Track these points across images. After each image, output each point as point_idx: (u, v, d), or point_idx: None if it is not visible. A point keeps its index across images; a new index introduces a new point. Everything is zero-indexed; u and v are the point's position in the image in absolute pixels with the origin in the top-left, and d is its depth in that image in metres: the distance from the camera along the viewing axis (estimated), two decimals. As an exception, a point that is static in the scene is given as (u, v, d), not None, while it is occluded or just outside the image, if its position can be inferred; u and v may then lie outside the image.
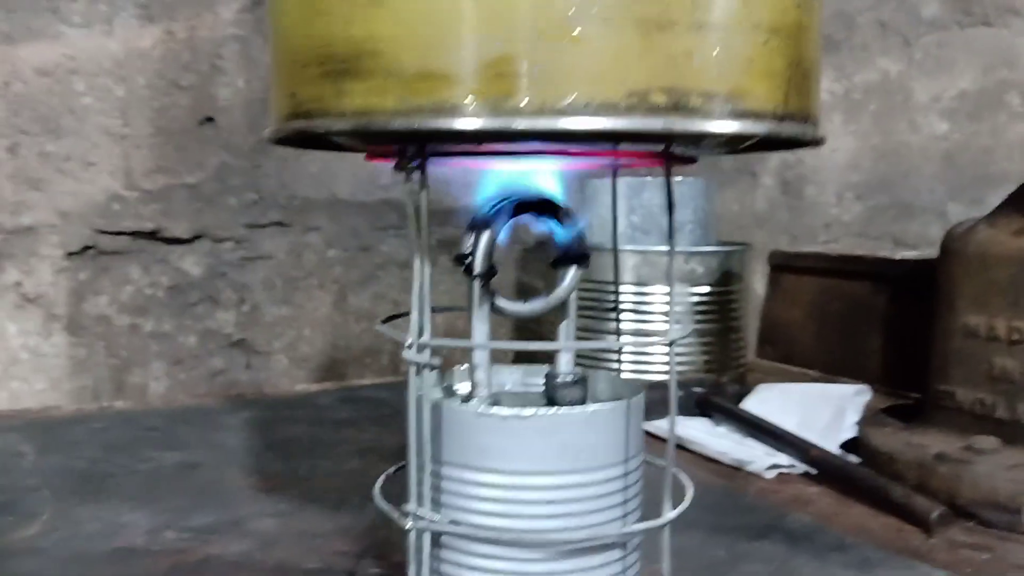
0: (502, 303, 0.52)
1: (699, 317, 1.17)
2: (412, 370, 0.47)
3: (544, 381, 0.51)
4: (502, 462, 0.47)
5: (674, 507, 0.50)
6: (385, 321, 0.52)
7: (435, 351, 0.47)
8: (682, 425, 1.02)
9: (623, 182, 1.21)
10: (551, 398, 0.50)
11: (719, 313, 1.18)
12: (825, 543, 0.73)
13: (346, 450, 0.95)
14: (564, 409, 0.48)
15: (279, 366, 1.35)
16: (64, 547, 0.70)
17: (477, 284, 0.51)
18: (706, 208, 1.22)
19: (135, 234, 1.27)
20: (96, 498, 0.81)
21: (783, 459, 0.94)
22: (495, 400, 0.51)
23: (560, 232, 0.53)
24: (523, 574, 0.47)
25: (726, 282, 1.19)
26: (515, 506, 0.47)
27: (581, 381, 0.50)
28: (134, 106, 1.26)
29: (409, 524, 0.47)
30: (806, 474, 0.92)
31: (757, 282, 1.39)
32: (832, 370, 1.09)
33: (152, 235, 1.28)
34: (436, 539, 0.49)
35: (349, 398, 1.22)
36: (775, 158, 1.65)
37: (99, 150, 1.25)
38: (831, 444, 0.96)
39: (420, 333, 0.47)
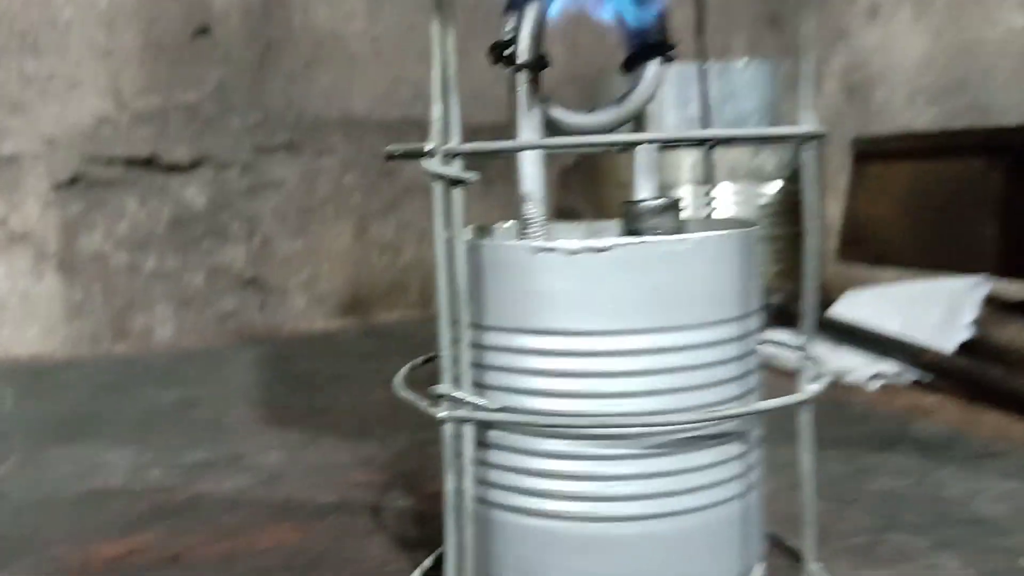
0: (556, 113, 0.38)
1: (770, 218, 1.01)
2: (438, 189, 0.33)
3: (623, 212, 0.36)
4: (569, 319, 0.33)
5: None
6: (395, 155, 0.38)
7: (469, 160, 0.33)
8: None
9: (675, 72, 1.05)
10: (634, 231, 0.36)
11: (794, 212, 1.02)
12: (969, 451, 0.58)
13: (370, 382, 0.82)
14: (657, 239, 0.33)
15: (296, 306, 1.21)
16: (27, 491, 0.57)
17: (523, 78, 0.36)
18: (773, 96, 1.06)
19: (129, 162, 1.14)
20: (74, 440, 0.68)
21: (888, 367, 0.78)
22: (552, 225, 0.36)
23: (634, 13, 0.38)
24: (606, 476, 0.33)
25: (798, 178, 1.03)
26: (591, 381, 0.33)
27: (672, 206, 0.36)
28: (120, 18, 1.12)
29: (442, 413, 0.33)
30: (917, 383, 0.76)
31: (838, 171, 1.22)
32: (934, 267, 0.93)
33: (148, 163, 1.15)
34: (482, 432, 0.35)
35: (374, 333, 1.09)
36: (838, 59, 1.48)
37: (84, 68, 1.11)
38: (945, 346, 0.80)
39: (446, 135, 0.32)
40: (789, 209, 1.02)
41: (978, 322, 0.81)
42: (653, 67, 0.38)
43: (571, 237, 0.44)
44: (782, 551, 0.43)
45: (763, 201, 1.02)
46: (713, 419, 0.33)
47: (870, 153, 1.11)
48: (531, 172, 0.36)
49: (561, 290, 0.33)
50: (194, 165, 1.16)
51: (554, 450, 0.34)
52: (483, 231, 0.40)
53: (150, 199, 1.15)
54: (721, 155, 1.01)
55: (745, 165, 1.01)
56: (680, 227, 0.36)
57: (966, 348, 0.81)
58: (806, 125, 0.33)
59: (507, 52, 0.36)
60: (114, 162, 1.12)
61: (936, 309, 0.83)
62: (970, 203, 0.92)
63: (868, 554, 0.44)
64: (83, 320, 1.11)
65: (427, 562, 0.43)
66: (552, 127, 0.38)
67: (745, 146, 1.00)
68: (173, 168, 1.15)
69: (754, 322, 0.36)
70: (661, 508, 0.34)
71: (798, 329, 0.91)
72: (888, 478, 0.54)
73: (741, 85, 1.05)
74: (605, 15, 0.39)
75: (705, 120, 0.50)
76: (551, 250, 0.33)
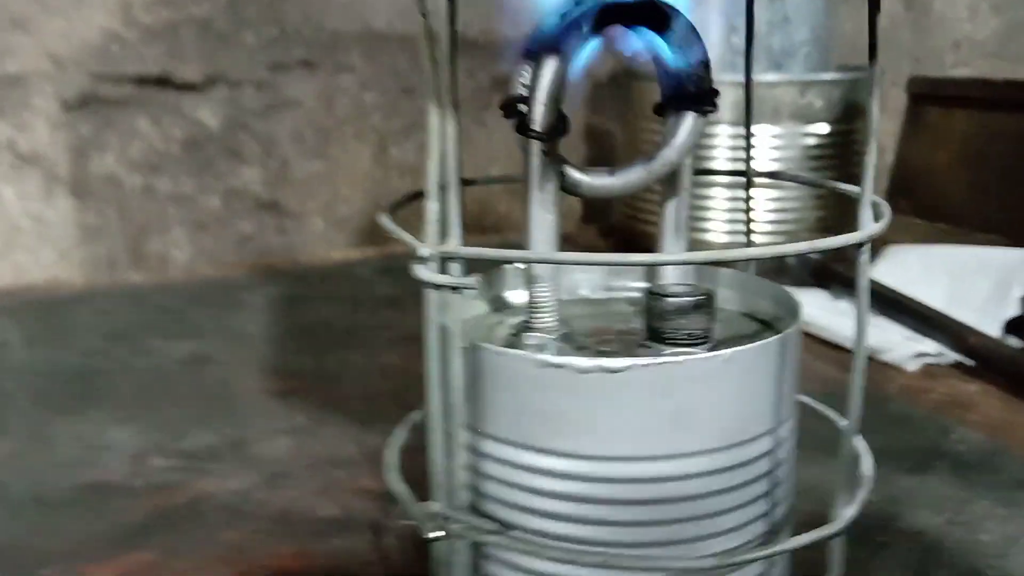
0: (575, 176, 0.33)
1: (814, 163, 0.95)
2: (431, 296, 0.28)
3: (645, 300, 0.32)
4: (577, 442, 0.29)
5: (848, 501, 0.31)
6: (395, 208, 0.34)
7: (469, 265, 0.28)
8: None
9: (720, -4, 0.97)
10: (654, 331, 0.31)
11: (840, 157, 0.95)
12: (1008, 477, 0.55)
13: (383, 339, 0.79)
14: (682, 358, 0.29)
15: (315, 230, 1.18)
16: (25, 481, 0.56)
17: (536, 149, 0.31)
18: (826, 26, 0.97)
19: (140, 80, 1.08)
20: (78, 409, 0.66)
21: (929, 345, 0.74)
22: (565, 333, 0.32)
23: (671, 57, 0.33)
24: (613, 605, 0.30)
25: (850, 118, 0.96)
26: (601, 508, 0.29)
27: (704, 302, 0.31)
28: (124, -77, 1.05)
29: (434, 533, 0.30)
30: (959, 364, 0.72)
31: (890, 114, 1.14)
32: (991, 229, 0.86)
33: (160, 81, 1.09)
34: (477, 553, 0.32)
35: (391, 268, 1.05)
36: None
37: (88, -21, 1.04)
38: (991, 326, 0.75)
39: (444, 236, 0.28)
40: (836, 153, 0.95)
41: (1030, 299, 0.76)
42: (689, 120, 0.33)
43: (586, 282, 0.40)
44: None
45: (808, 143, 0.95)
46: (734, 560, 0.30)
47: (928, 96, 1.02)
48: (543, 269, 0.31)
49: (569, 410, 0.29)
50: (207, 83, 1.10)
51: (553, 573, 0.31)
52: (492, 310, 0.36)
53: (163, 119, 1.10)
54: (765, 92, 0.93)
55: (791, 105, 0.94)
56: (710, 329, 0.32)
57: (1015, 327, 0.76)
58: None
59: (519, 113, 0.31)
60: (124, 81, 1.07)
61: (985, 282, 0.78)
62: (1034, 164, 0.85)
63: (893, 630, 0.41)
64: (98, 244, 1.09)
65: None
66: (569, 188, 0.33)
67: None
68: (186, 87, 1.10)
69: (787, 427, 0.32)
70: (671, 636, 0.31)
71: (832, 292, 0.86)
72: (922, 512, 0.51)
73: (791, 11, 0.97)
74: (640, 54, 0.33)
75: (749, 55, 0.43)
76: (559, 367, 0.29)
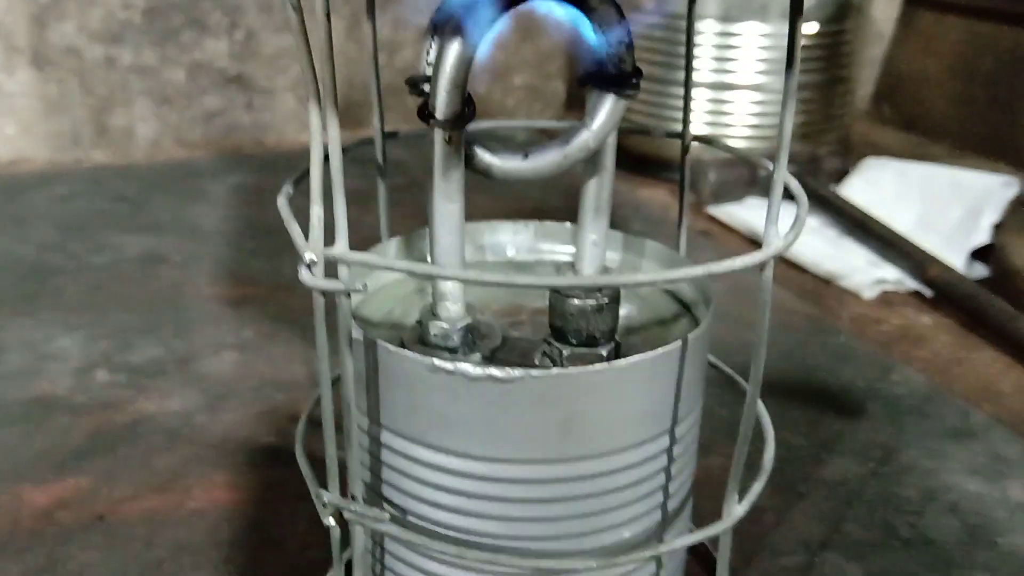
0: (486, 159, 0.31)
1: (803, 65, 0.91)
2: (317, 299, 0.28)
3: (551, 300, 0.31)
4: (467, 443, 0.29)
5: (740, 497, 0.31)
6: (297, 182, 0.32)
7: (358, 269, 0.27)
8: (761, 216, 0.81)
9: None
10: (558, 331, 0.31)
11: (826, 59, 0.92)
12: (941, 425, 0.55)
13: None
14: (573, 370, 0.28)
15: (285, 107, 1.14)
16: (-28, 392, 0.56)
17: (439, 136, 0.29)
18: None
19: (96, -58, 1.02)
20: (33, 308, 0.66)
21: (890, 272, 0.73)
22: (472, 323, 0.31)
23: (593, 36, 0.30)
24: (504, 593, 0.31)
25: (840, 17, 0.91)
26: (491, 504, 0.30)
27: (610, 304, 0.30)
28: None
29: (329, 520, 0.31)
30: (918, 293, 0.72)
31: (882, 17, 1.08)
32: (971, 146, 0.84)
33: (118, -57, 1.03)
34: (375, 536, 0.33)
35: (361, 157, 1.02)
36: None
37: None
38: (958, 252, 0.75)
39: (326, 238, 0.27)
40: (824, 56, 0.91)
41: (999, 227, 0.75)
42: (609, 103, 0.31)
43: (514, 242, 0.39)
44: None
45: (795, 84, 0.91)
46: (623, 560, 0.30)
47: (923, 1, 0.97)
48: (448, 258, 0.30)
49: (460, 413, 0.29)
50: (168, -52, 1.04)
51: (448, 560, 0.31)
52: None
53: (122, -14, 1.04)
54: (753, -12, 0.89)
55: (780, 1, 0.89)
56: (614, 331, 0.31)
57: (981, 255, 0.76)
58: None
59: (422, 95, 0.29)
60: (79, -57, 1.01)
61: (957, 206, 0.77)
62: (1021, 81, 0.82)
63: (796, 588, 0.43)
64: (61, 117, 1.06)
65: None
66: (479, 170, 0.32)
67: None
68: (145, -49, 1.04)
69: (686, 425, 0.32)
70: (559, 623, 0.32)
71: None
72: (847, 460, 0.52)
73: None
74: (563, 27, 0.31)
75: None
76: (450, 372, 0.28)
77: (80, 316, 0.65)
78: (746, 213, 0.82)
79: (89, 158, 1.03)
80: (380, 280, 0.36)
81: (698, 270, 0.26)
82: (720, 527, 0.31)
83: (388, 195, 0.39)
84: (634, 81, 0.31)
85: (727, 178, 0.82)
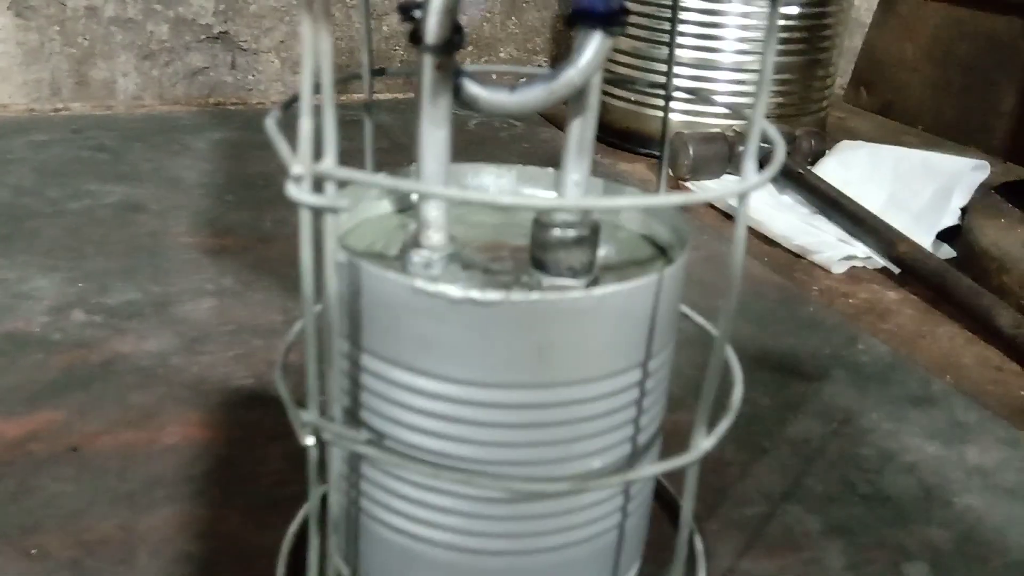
0: (473, 90, 0.32)
1: (780, 47, 0.92)
2: (304, 215, 0.28)
3: (532, 230, 0.32)
4: (446, 365, 0.30)
5: (708, 432, 0.32)
6: (286, 107, 0.32)
7: (343, 186, 0.28)
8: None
9: None
10: (538, 261, 0.32)
11: (806, 42, 0.93)
12: (902, 391, 0.57)
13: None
14: (551, 295, 0.29)
15: (269, 68, 1.14)
16: (-54, 326, 0.56)
17: (429, 61, 0.30)
18: None
19: None
20: (9, 250, 0.66)
21: (859, 249, 0.75)
22: (454, 254, 0.32)
23: (579, -28, 0.31)
24: (472, 514, 0.32)
25: (822, 1, 0.92)
26: (467, 428, 0.30)
27: (589, 236, 0.31)
28: None
29: (308, 440, 0.31)
30: (886, 270, 0.74)
31: (859, 7, 1.10)
32: (945, 131, 0.85)
33: None
34: (353, 455, 0.33)
35: (346, 120, 1.03)
36: None
37: None
38: (926, 232, 0.76)
39: (317, 154, 0.27)
40: (805, 39, 0.93)
41: (968, 209, 0.77)
42: (596, 40, 0.32)
43: (496, 183, 0.39)
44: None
45: (777, 23, 0.92)
46: (591, 486, 0.31)
47: (904, -14, 0.98)
48: (435, 184, 0.31)
49: (440, 336, 0.29)
50: (155, -100, 1.03)
51: (422, 482, 0.32)
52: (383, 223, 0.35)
53: (107, -64, 1.03)
54: (739, -33, 0.89)
55: (764, -18, 0.90)
56: (592, 264, 0.32)
57: (948, 235, 0.77)
58: None
59: (414, 21, 0.30)
60: None
61: (927, 188, 0.79)
62: (998, 66, 0.83)
63: (756, 535, 0.44)
64: (41, 65, 1.05)
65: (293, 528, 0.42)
66: (466, 102, 0.32)
67: None
68: (131, -99, 1.03)
69: (658, 361, 0.33)
70: (529, 546, 0.33)
71: (779, 184, 0.86)
72: (810, 421, 0.53)
73: None
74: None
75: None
76: (432, 295, 0.29)
77: (56, 259, 0.65)
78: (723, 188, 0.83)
79: (68, 109, 1.02)
80: (364, 214, 0.37)
81: (677, 198, 0.27)
82: (687, 458, 0.32)
83: (374, 132, 0.40)
84: (620, 19, 0.32)
85: (705, 153, 0.83)
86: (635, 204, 0.33)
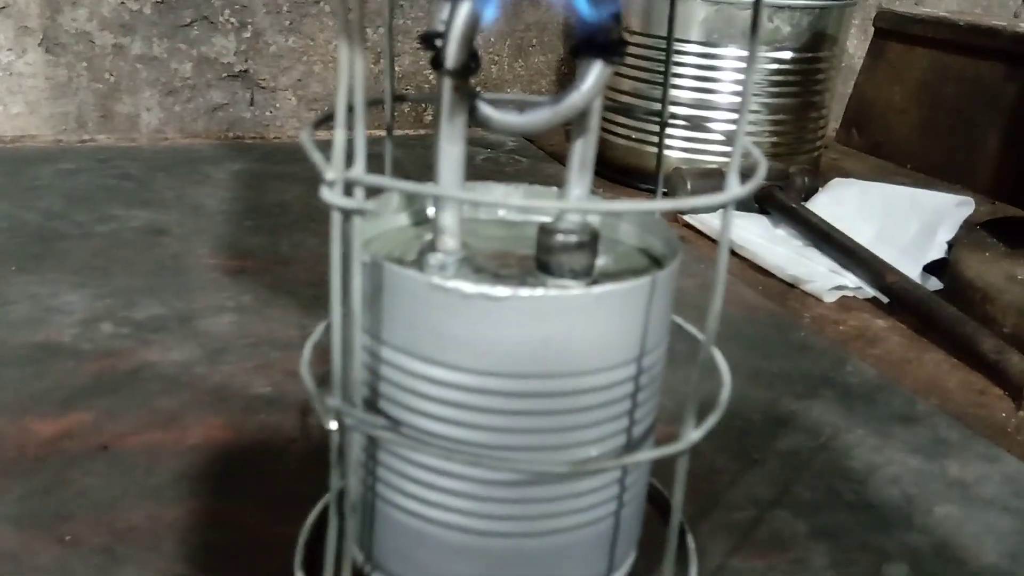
0: (486, 111, 0.36)
1: (775, 89, 0.96)
2: (335, 217, 0.32)
3: (537, 236, 0.35)
4: (458, 356, 0.33)
5: (697, 423, 0.35)
6: (318, 125, 0.36)
7: (371, 190, 0.31)
8: (735, 224, 0.86)
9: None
10: (543, 263, 0.35)
11: (800, 85, 0.97)
12: (888, 410, 0.60)
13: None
14: (554, 292, 0.32)
15: (286, 105, 1.19)
16: (-18, 335, 0.59)
17: (448, 84, 0.33)
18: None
19: (114, -65, 1.07)
20: (38, 268, 0.69)
21: (850, 279, 0.78)
22: (466, 259, 0.35)
23: (584, 8, 0.35)
24: (480, 497, 0.35)
25: (815, 47, 0.97)
26: (477, 415, 0.34)
27: (589, 242, 0.35)
28: None
29: (332, 424, 0.34)
30: (875, 299, 0.77)
31: (853, 47, 1.15)
32: (933, 171, 0.89)
33: (134, -63, 1.08)
34: (371, 442, 0.36)
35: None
36: None
37: None
38: (913, 264, 0.80)
39: (349, 162, 0.31)
40: (799, 82, 0.97)
41: (954, 244, 0.80)
42: (597, 68, 0.36)
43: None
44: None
45: (772, 67, 0.96)
46: (588, 469, 0.34)
47: (892, 32, 1.03)
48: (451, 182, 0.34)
49: (454, 329, 0.33)
50: (183, -55, 1.09)
51: (435, 466, 0.35)
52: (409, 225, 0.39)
53: (136, -22, 1.09)
54: (735, 13, 0.94)
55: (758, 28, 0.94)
56: (591, 265, 0.35)
57: (935, 268, 0.81)
58: None
59: (435, 48, 0.33)
60: (97, -65, 1.05)
61: (915, 223, 0.82)
62: (982, 109, 0.87)
63: (745, 536, 0.46)
64: (68, 99, 1.09)
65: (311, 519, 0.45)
66: (480, 122, 0.36)
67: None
68: (160, -54, 1.08)
69: (652, 358, 0.36)
70: (532, 529, 0.36)
71: (773, 218, 0.90)
72: (800, 435, 0.56)
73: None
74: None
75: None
76: (447, 290, 0.32)
77: (84, 276, 0.69)
78: (718, 221, 0.87)
79: (94, 140, 1.07)
80: (384, 226, 0.40)
81: (667, 204, 0.30)
82: (677, 447, 0.35)
83: (392, 152, 0.43)
84: (619, 49, 0.35)
85: (703, 187, 0.87)
86: (628, 208, 0.36)
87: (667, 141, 0.97)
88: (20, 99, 1.08)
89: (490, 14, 0.33)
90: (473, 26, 0.33)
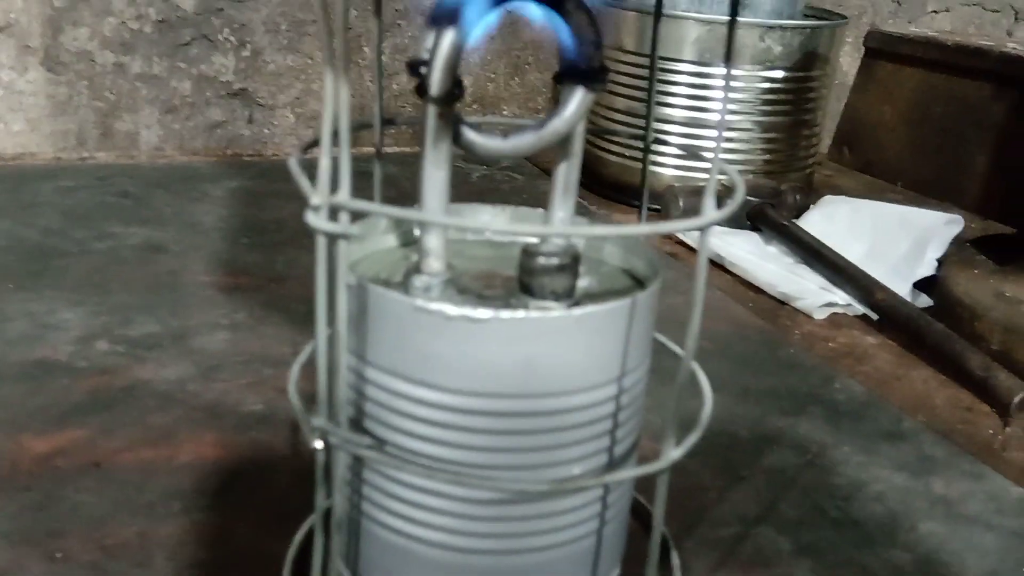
0: (470, 136, 0.36)
1: (767, 108, 0.97)
2: (320, 241, 0.32)
3: (520, 258, 0.36)
4: (441, 376, 0.34)
5: (677, 442, 0.36)
6: (306, 149, 0.37)
7: (356, 215, 0.32)
8: (727, 241, 0.87)
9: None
10: (525, 285, 0.36)
11: (792, 104, 0.98)
12: (875, 427, 0.60)
13: (333, 242, 0.83)
14: (535, 314, 0.33)
15: (284, 123, 1.20)
16: (-21, 352, 0.60)
17: (432, 111, 0.34)
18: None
19: (115, -45, 1.08)
20: (36, 285, 0.70)
21: (840, 297, 0.79)
22: (451, 280, 0.36)
23: (568, 36, 0.36)
24: (463, 515, 0.35)
25: (807, 66, 0.98)
26: (460, 434, 0.34)
27: (570, 264, 0.35)
28: None
29: (317, 444, 0.35)
30: (865, 317, 0.77)
31: (845, 66, 1.16)
32: (922, 188, 0.90)
33: (135, -43, 1.09)
34: (356, 461, 0.37)
35: (357, 171, 1.08)
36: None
37: None
38: (903, 282, 0.80)
39: (334, 187, 0.32)
40: (791, 100, 0.98)
41: (944, 261, 0.81)
42: (579, 94, 0.36)
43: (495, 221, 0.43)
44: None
45: (763, 87, 0.97)
46: (570, 487, 0.35)
47: (882, 51, 1.04)
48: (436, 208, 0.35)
49: (436, 349, 0.33)
50: (183, -35, 1.10)
51: (419, 485, 0.36)
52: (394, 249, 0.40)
53: (136, -2, 1.10)
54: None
55: (751, 48, 0.96)
56: (573, 289, 0.36)
57: (925, 286, 0.81)
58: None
59: (420, 76, 0.34)
60: (98, -45, 1.07)
61: (905, 240, 0.83)
62: (970, 128, 0.88)
63: (729, 553, 0.47)
64: (68, 117, 1.10)
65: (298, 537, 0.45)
66: (464, 146, 0.37)
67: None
68: (161, -34, 1.09)
69: (632, 378, 0.37)
70: (515, 546, 0.36)
71: (765, 236, 0.91)
72: (786, 452, 0.56)
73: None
74: (541, 26, 0.36)
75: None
76: (430, 312, 0.33)
77: (82, 294, 0.69)
78: (711, 238, 0.88)
79: (94, 158, 1.08)
80: (370, 248, 0.41)
81: (646, 228, 0.31)
82: (658, 466, 0.35)
83: (382, 176, 0.44)
84: (601, 76, 0.36)
85: (695, 205, 0.88)
86: (606, 233, 0.37)
87: (661, 159, 0.98)
88: (21, 117, 1.09)
89: (474, 41, 0.34)
90: (457, 54, 0.34)
